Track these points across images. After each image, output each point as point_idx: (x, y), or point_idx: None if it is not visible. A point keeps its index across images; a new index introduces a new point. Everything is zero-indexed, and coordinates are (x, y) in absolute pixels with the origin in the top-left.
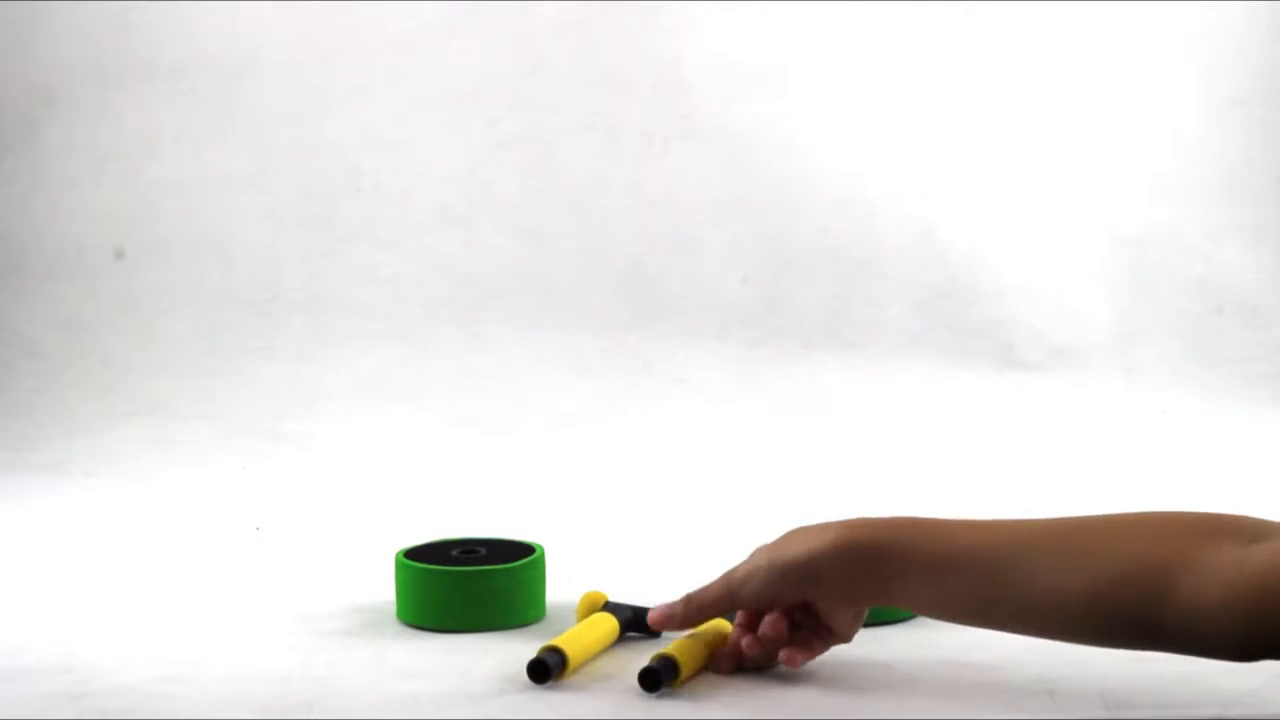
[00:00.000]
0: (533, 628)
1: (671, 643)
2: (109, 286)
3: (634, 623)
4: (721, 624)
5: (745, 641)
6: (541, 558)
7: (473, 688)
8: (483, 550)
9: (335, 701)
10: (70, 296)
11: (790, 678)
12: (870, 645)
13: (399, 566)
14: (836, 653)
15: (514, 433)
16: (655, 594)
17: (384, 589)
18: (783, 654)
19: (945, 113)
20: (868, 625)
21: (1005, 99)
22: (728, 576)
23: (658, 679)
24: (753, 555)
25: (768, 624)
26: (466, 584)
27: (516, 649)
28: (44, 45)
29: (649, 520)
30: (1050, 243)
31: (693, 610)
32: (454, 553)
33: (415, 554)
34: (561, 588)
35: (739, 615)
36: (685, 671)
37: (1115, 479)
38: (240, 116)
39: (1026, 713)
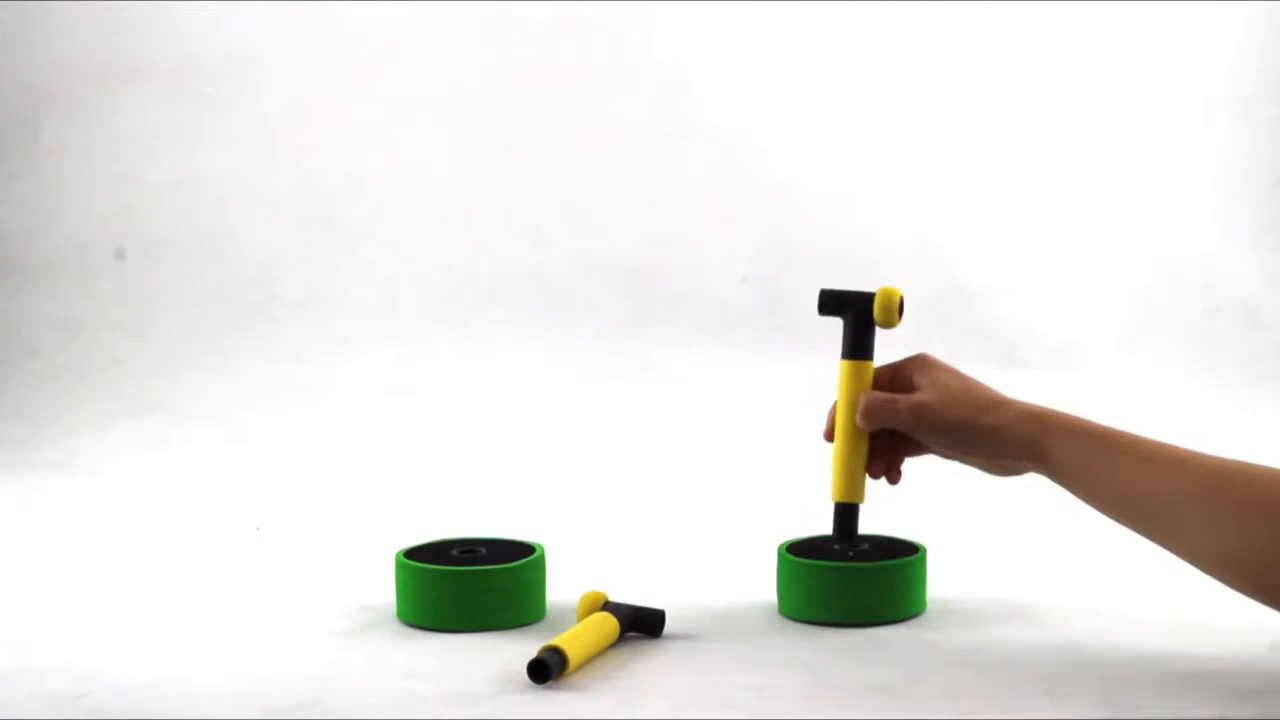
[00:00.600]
0: (533, 628)
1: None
2: (109, 286)
3: (634, 622)
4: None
5: (873, 466)
6: (541, 558)
7: (473, 688)
8: (483, 550)
9: (335, 701)
10: (70, 296)
11: (792, 678)
12: (870, 645)
13: (399, 566)
14: (838, 653)
15: (514, 432)
16: (656, 594)
17: (384, 589)
18: (894, 475)
19: (945, 113)
20: (867, 625)
21: (1005, 99)
22: (916, 406)
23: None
24: (936, 386)
25: (890, 469)
26: (466, 584)
27: (516, 649)
28: (44, 46)
29: (649, 520)
30: (1050, 243)
31: (869, 416)
32: (454, 552)
33: (415, 554)
34: (561, 588)
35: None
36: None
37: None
38: (239, 117)
39: (1026, 713)
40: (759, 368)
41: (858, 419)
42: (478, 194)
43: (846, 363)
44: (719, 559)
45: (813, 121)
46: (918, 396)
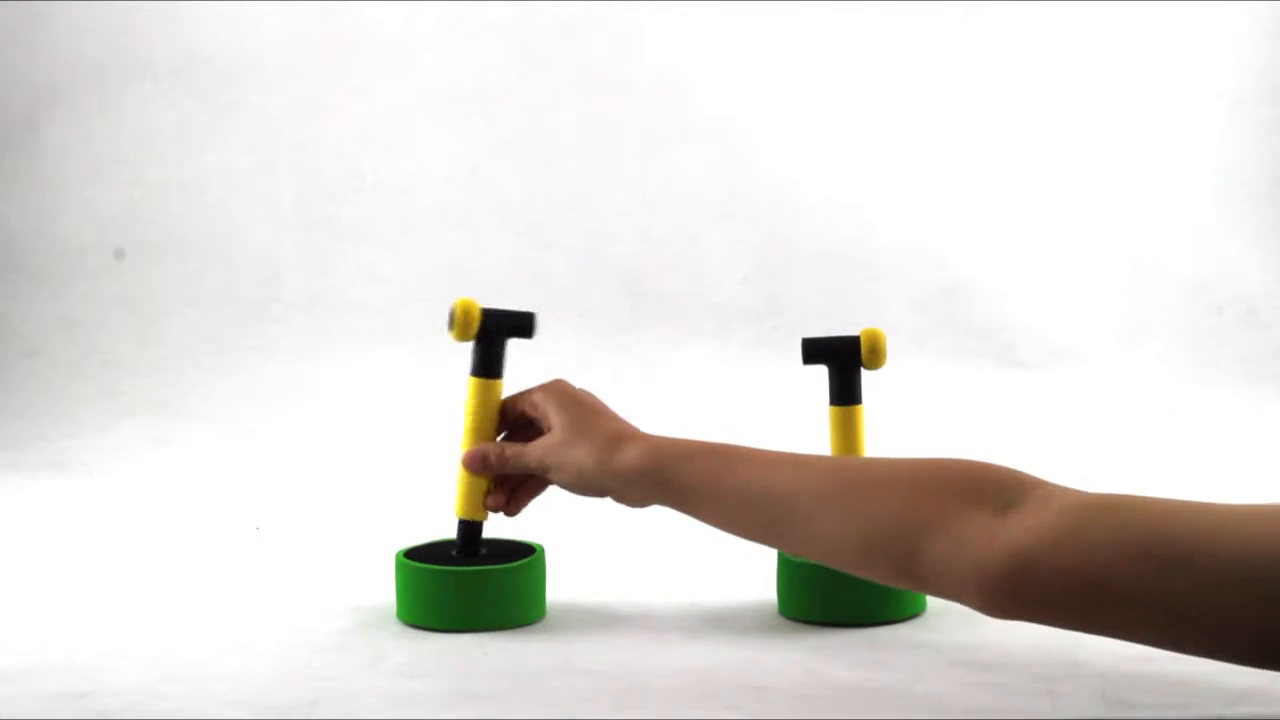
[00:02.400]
0: (532, 628)
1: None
2: (110, 286)
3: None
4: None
5: (497, 502)
6: (541, 557)
7: (473, 687)
8: (483, 550)
9: (335, 701)
10: (71, 296)
11: (791, 678)
12: (870, 645)
13: (399, 566)
14: (838, 653)
15: None
16: (657, 595)
17: (384, 589)
18: (513, 507)
19: (946, 113)
20: (866, 625)
21: (1005, 99)
22: (542, 451)
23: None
24: (559, 424)
25: (510, 504)
26: (466, 584)
27: (516, 648)
28: (46, 46)
29: (649, 520)
30: (1050, 243)
31: (503, 467)
32: (454, 553)
33: (415, 554)
34: (562, 588)
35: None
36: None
37: (1115, 478)
38: (241, 117)
39: (1026, 713)
40: (758, 367)
41: (488, 468)
42: (478, 194)
43: (836, 410)
44: (719, 559)
45: (813, 121)
46: (545, 439)
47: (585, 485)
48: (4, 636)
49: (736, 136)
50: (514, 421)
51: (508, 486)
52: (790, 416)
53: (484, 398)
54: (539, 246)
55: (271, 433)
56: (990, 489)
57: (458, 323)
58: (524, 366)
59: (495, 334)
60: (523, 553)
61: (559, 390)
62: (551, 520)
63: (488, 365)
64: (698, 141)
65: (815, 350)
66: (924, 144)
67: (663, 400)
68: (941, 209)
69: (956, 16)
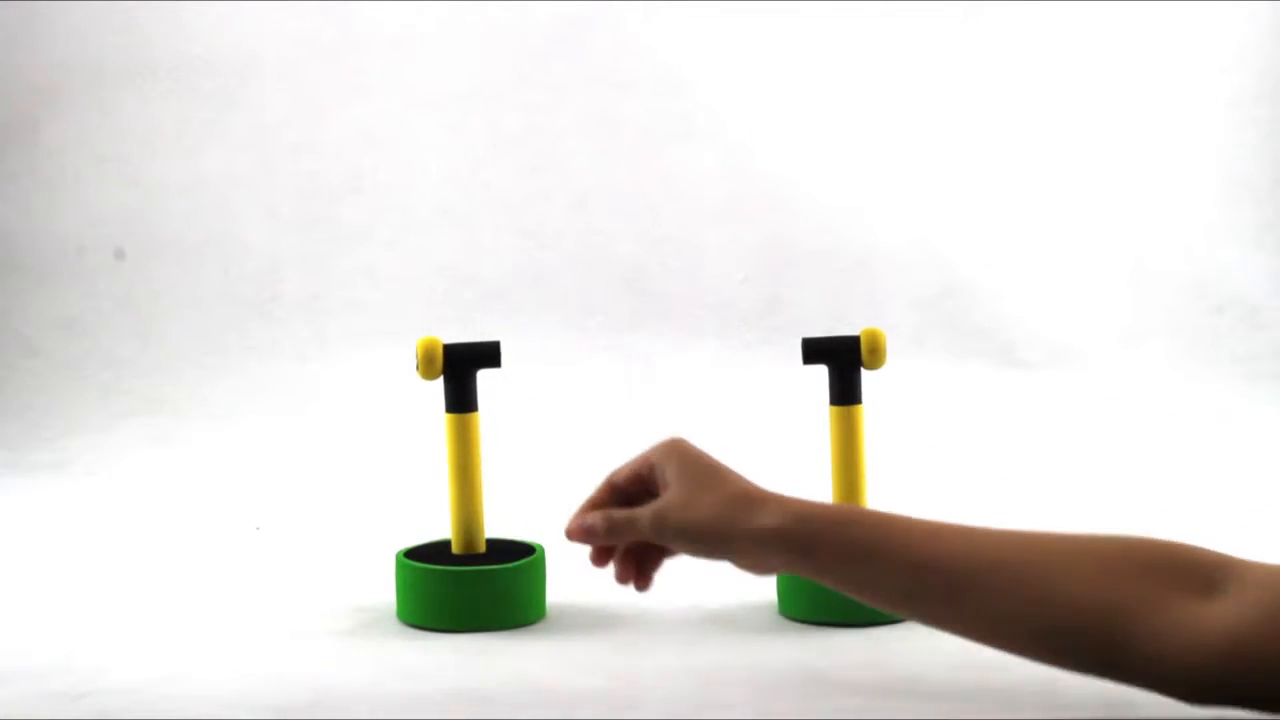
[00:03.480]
0: (533, 628)
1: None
2: (109, 286)
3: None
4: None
5: (619, 572)
6: (541, 558)
7: (473, 688)
8: (483, 550)
9: (335, 702)
10: (70, 296)
11: (796, 680)
12: (870, 645)
13: (399, 566)
14: (839, 652)
15: (513, 433)
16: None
17: (384, 589)
18: (644, 581)
19: (947, 113)
20: (867, 625)
21: (1005, 99)
22: (657, 515)
23: None
24: (678, 485)
25: (640, 577)
26: (466, 584)
27: (517, 648)
28: (45, 45)
29: None
30: (1050, 242)
31: (612, 535)
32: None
33: (415, 554)
34: (562, 588)
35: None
36: None
37: (1115, 479)
38: (241, 116)
39: (1028, 712)
40: (759, 367)
41: (594, 538)
42: (478, 194)
43: (836, 410)
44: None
45: (813, 121)
46: (660, 502)
47: (709, 548)
48: (4, 636)
49: (737, 136)
50: (627, 488)
51: (632, 556)
52: (790, 417)
53: (462, 433)
54: (539, 246)
55: (271, 433)
56: (1189, 571)
57: (421, 362)
58: (528, 368)
59: (462, 368)
60: (522, 553)
61: (676, 449)
62: (552, 520)
63: (460, 400)
64: (698, 141)
65: (815, 350)
66: (924, 144)
67: (663, 399)
68: (942, 209)
69: (957, 16)
